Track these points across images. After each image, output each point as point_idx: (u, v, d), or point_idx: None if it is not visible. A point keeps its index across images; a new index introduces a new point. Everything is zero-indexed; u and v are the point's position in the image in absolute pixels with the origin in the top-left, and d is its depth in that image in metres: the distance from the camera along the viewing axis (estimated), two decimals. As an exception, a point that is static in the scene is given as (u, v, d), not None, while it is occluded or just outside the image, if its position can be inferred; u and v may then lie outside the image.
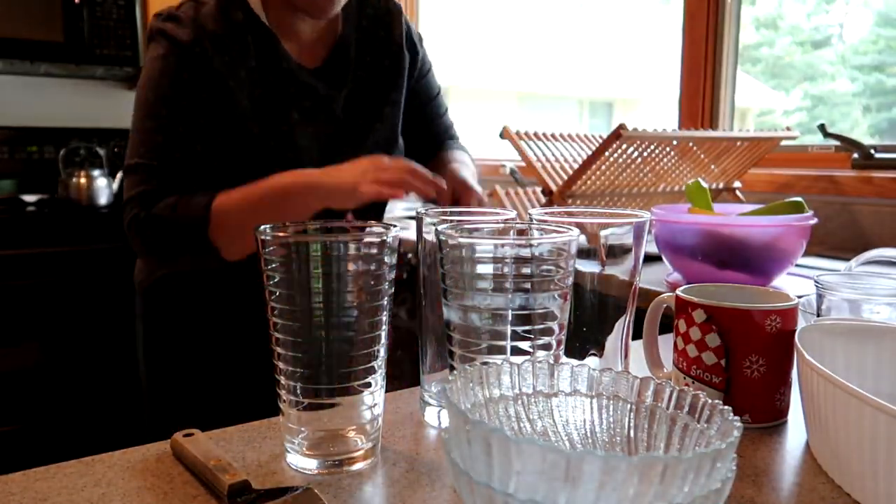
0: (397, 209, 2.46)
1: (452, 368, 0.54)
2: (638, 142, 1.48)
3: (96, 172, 2.53)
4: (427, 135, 1.25)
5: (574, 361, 0.58)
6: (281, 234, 0.50)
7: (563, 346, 0.53)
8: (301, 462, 0.51)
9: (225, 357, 1.09)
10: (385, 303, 0.51)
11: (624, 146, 1.48)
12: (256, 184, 0.95)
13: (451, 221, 0.60)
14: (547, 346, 0.51)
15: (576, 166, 1.60)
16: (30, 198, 2.55)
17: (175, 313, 1.13)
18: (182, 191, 0.97)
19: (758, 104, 2.58)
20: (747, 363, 0.58)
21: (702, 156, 1.66)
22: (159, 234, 0.96)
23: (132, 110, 1.01)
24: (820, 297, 0.68)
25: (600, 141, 1.60)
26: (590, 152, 1.56)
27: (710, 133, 1.60)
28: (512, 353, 0.51)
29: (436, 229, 0.53)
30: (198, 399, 1.13)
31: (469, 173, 1.11)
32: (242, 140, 1.01)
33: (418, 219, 0.62)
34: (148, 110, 0.97)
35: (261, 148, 1.02)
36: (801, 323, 0.60)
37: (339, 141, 1.09)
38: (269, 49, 1.02)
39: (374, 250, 0.50)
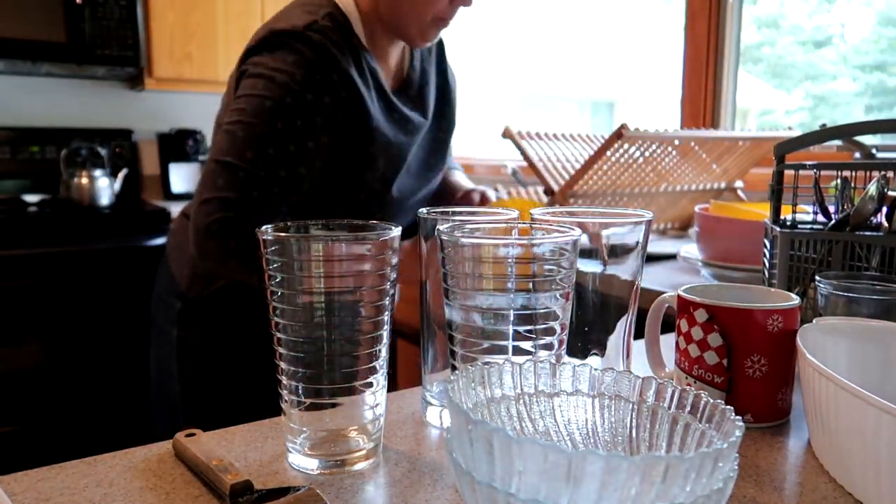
0: None
1: (454, 368, 0.54)
2: (640, 142, 1.48)
3: (98, 173, 2.53)
4: None
5: (576, 361, 0.58)
6: (282, 233, 0.50)
7: (564, 346, 0.53)
8: (303, 462, 0.51)
9: (263, 363, 1.10)
10: (387, 302, 0.51)
11: (626, 146, 1.48)
12: None
13: (453, 221, 0.60)
14: (549, 346, 0.51)
15: (577, 166, 1.61)
16: (31, 198, 2.56)
17: (223, 323, 1.13)
18: (271, 214, 0.95)
19: (759, 104, 2.58)
20: (749, 363, 0.58)
21: (703, 155, 1.66)
22: (244, 249, 0.94)
23: (234, 106, 0.98)
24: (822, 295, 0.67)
25: (602, 141, 1.60)
26: (591, 152, 1.56)
27: (712, 133, 1.60)
28: (514, 353, 0.51)
29: (438, 229, 0.53)
30: (231, 399, 1.13)
31: (464, 179, 1.24)
32: (357, 161, 1.03)
33: (419, 219, 0.62)
34: (264, 118, 0.95)
35: (364, 170, 1.04)
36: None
37: (421, 161, 1.16)
38: (373, 76, 1.04)
39: (376, 250, 0.50)
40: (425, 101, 1.16)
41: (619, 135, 1.41)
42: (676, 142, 1.57)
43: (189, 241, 0.99)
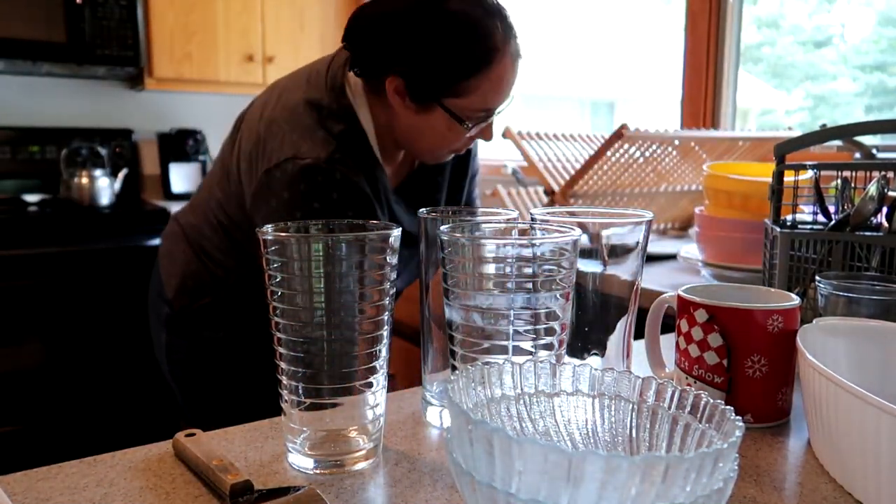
0: None
1: (454, 368, 0.54)
2: (640, 142, 1.48)
3: (98, 172, 2.53)
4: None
5: (576, 361, 0.58)
6: (283, 233, 0.50)
7: (565, 346, 0.53)
8: (303, 462, 0.51)
9: (249, 364, 1.09)
10: (387, 302, 0.51)
11: (626, 146, 1.48)
12: None
13: (454, 222, 0.60)
14: (549, 346, 0.51)
15: (578, 166, 1.61)
16: (31, 198, 2.56)
17: (208, 334, 1.13)
18: None
19: (759, 104, 2.58)
20: (749, 363, 0.58)
21: (703, 156, 1.66)
22: None
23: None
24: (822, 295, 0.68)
25: (602, 141, 1.60)
26: (592, 152, 1.56)
27: (712, 133, 1.60)
28: (514, 353, 0.51)
29: (438, 230, 0.53)
30: (222, 401, 1.13)
31: None
32: None
33: (420, 219, 0.62)
34: None
35: None
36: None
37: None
38: (385, 192, 1.03)
39: (376, 250, 0.50)
40: (435, 190, 1.14)
41: (619, 135, 1.41)
42: (676, 142, 1.57)
43: None
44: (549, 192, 1.56)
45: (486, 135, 1.03)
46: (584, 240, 0.59)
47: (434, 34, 0.91)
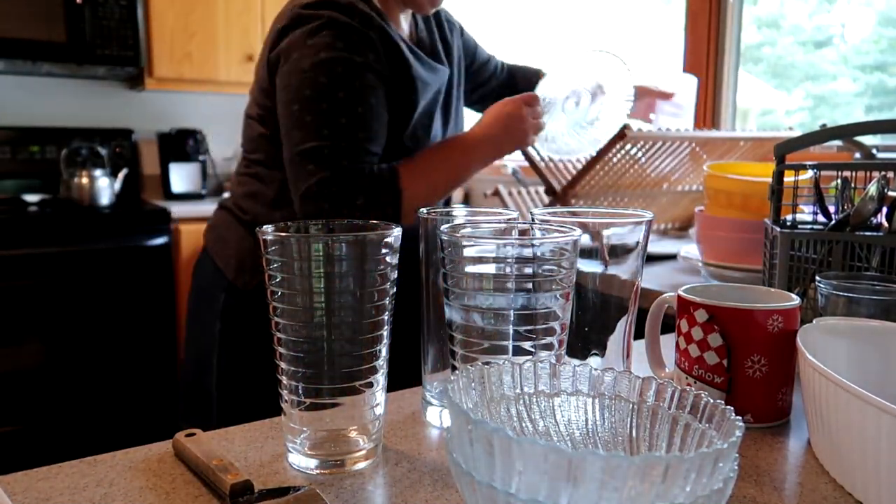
0: None
1: (454, 368, 0.54)
2: (641, 142, 1.48)
3: (98, 172, 2.54)
4: (492, 77, 1.42)
5: (576, 361, 0.58)
6: (283, 233, 0.50)
7: (564, 346, 0.53)
8: (303, 462, 0.51)
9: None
10: (387, 302, 0.51)
11: (627, 146, 1.48)
12: (435, 146, 1.12)
13: (454, 222, 0.60)
14: (549, 346, 0.51)
15: (579, 166, 1.60)
16: (32, 198, 2.56)
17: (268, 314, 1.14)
18: (366, 175, 1.02)
19: (759, 104, 2.58)
20: (749, 363, 0.58)
21: (704, 156, 1.66)
22: (361, 209, 1.00)
23: (291, 95, 1.02)
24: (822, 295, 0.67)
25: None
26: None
27: (713, 133, 1.60)
28: (514, 353, 0.51)
29: (438, 229, 0.53)
30: (265, 394, 1.14)
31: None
32: (403, 117, 1.10)
33: (419, 219, 0.62)
34: (325, 94, 1.00)
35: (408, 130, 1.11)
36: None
37: (450, 114, 1.23)
38: (393, 35, 1.09)
39: (376, 250, 0.50)
40: (439, 56, 1.21)
41: (621, 135, 1.41)
42: (677, 142, 1.57)
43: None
44: (551, 192, 1.56)
45: None
46: (585, 240, 0.59)
47: None
